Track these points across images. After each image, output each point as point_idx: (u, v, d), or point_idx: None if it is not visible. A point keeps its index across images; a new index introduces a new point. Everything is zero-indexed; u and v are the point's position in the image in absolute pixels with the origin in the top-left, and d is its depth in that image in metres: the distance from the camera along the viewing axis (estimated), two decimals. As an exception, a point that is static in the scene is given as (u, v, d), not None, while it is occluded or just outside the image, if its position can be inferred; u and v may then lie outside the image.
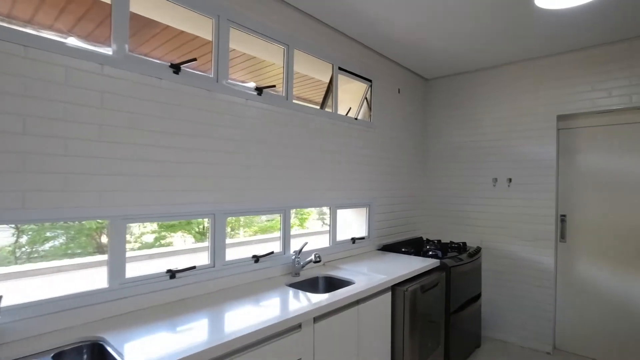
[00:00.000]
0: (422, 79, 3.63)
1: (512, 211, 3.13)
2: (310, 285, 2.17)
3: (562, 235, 3.01)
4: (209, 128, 1.79)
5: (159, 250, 3.12)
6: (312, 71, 2.85)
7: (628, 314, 2.74)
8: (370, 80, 2.97)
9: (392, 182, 3.23)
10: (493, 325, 3.24)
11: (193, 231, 3.22)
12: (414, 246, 3.06)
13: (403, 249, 2.90)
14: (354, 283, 2.03)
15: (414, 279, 2.29)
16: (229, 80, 1.91)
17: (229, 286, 1.87)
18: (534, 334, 3.02)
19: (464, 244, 3.08)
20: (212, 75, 1.85)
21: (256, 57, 2.45)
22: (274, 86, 2.13)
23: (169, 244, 3.25)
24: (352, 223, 3.00)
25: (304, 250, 2.22)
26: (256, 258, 2.03)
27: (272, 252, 2.12)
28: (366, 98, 3.04)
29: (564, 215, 3.01)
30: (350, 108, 2.92)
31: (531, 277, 3.03)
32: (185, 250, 3.17)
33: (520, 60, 3.09)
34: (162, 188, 1.61)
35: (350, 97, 3.02)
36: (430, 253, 2.74)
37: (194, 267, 1.73)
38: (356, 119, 2.80)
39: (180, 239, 3.37)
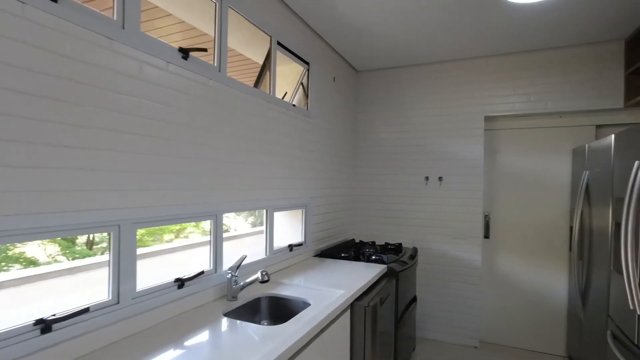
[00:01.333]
0: (353, 70, 3.42)
1: (444, 210, 3.13)
2: (253, 312, 1.69)
3: (487, 233, 3.12)
4: (102, 94, 1.18)
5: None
6: (246, 47, 2.36)
7: (540, 301, 2.95)
8: (307, 63, 2.60)
9: (327, 181, 2.92)
10: (425, 325, 3.19)
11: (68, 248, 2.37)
12: (351, 250, 2.81)
13: (342, 255, 2.61)
14: (309, 304, 1.63)
15: (368, 290, 2.01)
16: (142, 32, 1.32)
17: (142, 328, 1.29)
18: (463, 330, 3.06)
19: (400, 245, 2.96)
20: (114, 18, 1.24)
21: (185, 23, 1.86)
22: (205, 50, 1.59)
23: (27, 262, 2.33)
24: (287, 227, 2.59)
25: (242, 264, 1.73)
26: (180, 282, 1.48)
27: (202, 273, 1.58)
28: (302, 83, 2.66)
29: (488, 213, 3.12)
30: (285, 93, 2.50)
31: (461, 274, 3.06)
32: (60, 271, 2.32)
33: (454, 59, 3.10)
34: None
35: (284, 82, 2.60)
36: (374, 257, 2.51)
37: (84, 311, 1.11)
38: (294, 105, 2.40)
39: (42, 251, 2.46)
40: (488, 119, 3.08)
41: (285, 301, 1.72)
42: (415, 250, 2.88)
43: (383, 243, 3.09)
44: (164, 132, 1.39)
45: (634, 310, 1.66)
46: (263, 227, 2.24)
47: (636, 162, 1.65)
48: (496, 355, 2.89)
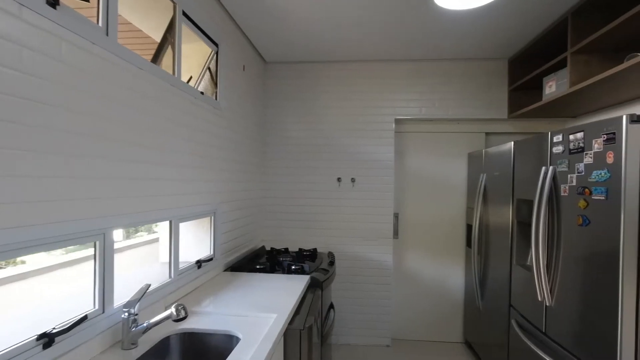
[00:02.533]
0: (261, 60, 3.11)
1: (357, 211, 3.09)
2: (162, 359, 1.28)
3: (396, 232, 3.19)
4: None
5: None
6: (141, 19, 1.85)
7: (441, 293, 3.16)
8: (217, 45, 2.21)
9: (237, 182, 2.56)
10: (339, 331, 3.10)
11: None
12: (266, 260, 2.52)
13: (258, 267, 2.31)
14: (238, 338, 1.31)
15: (297, 309, 1.77)
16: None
17: None
18: (376, 331, 3.07)
19: (315, 250, 2.79)
20: None
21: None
22: (87, 0, 1.12)
23: None
24: (191, 239, 2.15)
25: (142, 294, 1.29)
26: (48, 339, 0.99)
27: (86, 318, 1.11)
28: (209, 68, 2.26)
29: (397, 214, 3.20)
30: (190, 77, 2.07)
31: (373, 275, 3.07)
32: None
33: (368, 60, 3.07)
34: None
35: (187, 64, 2.16)
36: (294, 268, 2.27)
37: None
38: (202, 93, 2.00)
39: None
40: (398, 121, 3.15)
41: (206, 337, 1.35)
42: (332, 255, 2.76)
43: (297, 249, 2.89)
44: (22, 115, 0.90)
45: (542, 302, 1.82)
46: (141, 238, 1.79)
47: (543, 168, 1.81)
48: (404, 350, 2.98)
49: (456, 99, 3.02)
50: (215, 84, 2.25)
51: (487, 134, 3.14)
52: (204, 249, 2.15)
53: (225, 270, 2.28)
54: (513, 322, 2.12)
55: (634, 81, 1.88)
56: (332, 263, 2.52)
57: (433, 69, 3.04)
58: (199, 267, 1.95)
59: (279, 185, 3.17)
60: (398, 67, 3.06)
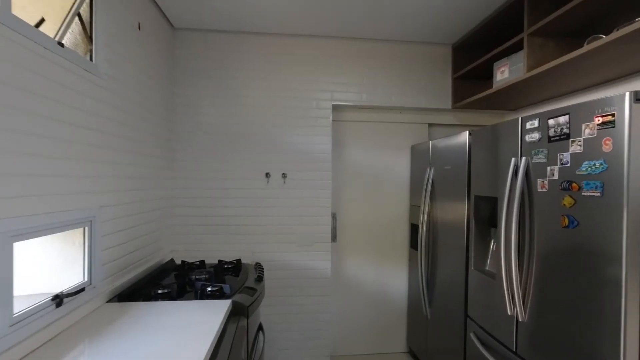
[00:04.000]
0: (168, 25, 2.46)
1: (289, 212, 2.61)
2: None
3: (334, 235, 2.80)
4: None
5: None
6: None
7: (383, 301, 2.85)
8: (93, -18, 1.55)
9: (130, 180, 1.91)
10: (271, 355, 2.61)
11: None
12: (173, 280, 1.92)
13: (160, 291, 1.71)
14: None
15: (214, 351, 1.24)
16: None
17: None
18: (313, 348, 2.64)
19: (239, 261, 2.26)
20: None
21: None
22: None
23: None
24: (51, 261, 1.47)
25: None
26: None
27: None
28: (80, 15, 1.58)
29: (334, 214, 2.80)
30: (42, 20, 1.40)
31: (309, 287, 2.63)
32: None
33: (303, 34, 2.60)
34: None
35: (40, 1, 1.47)
36: (210, 290, 1.72)
37: None
38: (61, 44, 1.34)
39: None
40: (336, 108, 2.75)
41: None
42: (260, 268, 2.25)
43: (216, 262, 2.32)
44: None
45: (512, 317, 1.55)
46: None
47: (512, 160, 1.54)
48: (345, 371, 2.61)
49: (399, 85, 2.72)
50: (91, 40, 1.58)
51: (430, 125, 2.91)
52: (73, 273, 1.49)
53: (110, 301, 1.63)
54: (472, 335, 1.85)
55: (595, 65, 1.71)
56: (260, 278, 2.02)
57: (376, 51, 2.69)
58: (58, 304, 1.30)
59: (193, 182, 2.55)
60: (337, 46, 2.66)
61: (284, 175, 2.60)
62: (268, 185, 2.59)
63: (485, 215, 1.81)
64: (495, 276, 1.67)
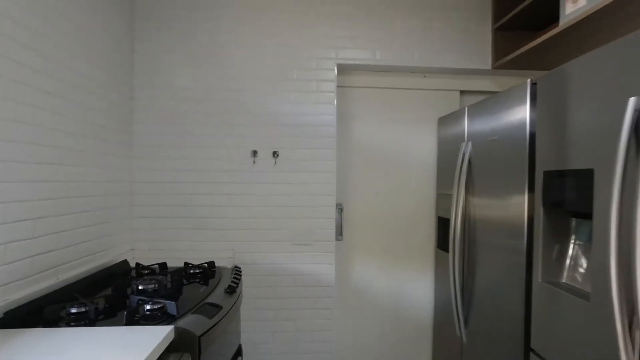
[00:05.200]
0: (127, -38, 1.91)
1: (281, 201, 2.04)
2: None
3: (339, 232, 2.21)
4: None
5: None
6: None
7: (402, 316, 2.25)
8: None
9: (61, 151, 1.36)
10: (252, 385, 2.04)
11: None
12: (111, 293, 1.37)
13: (72, 310, 1.15)
14: None
15: None
16: None
17: None
18: (309, 380, 2.06)
19: (212, 264, 1.70)
20: None
21: None
22: None
23: None
24: None
25: None
26: None
27: None
28: None
29: (341, 205, 2.22)
30: None
31: (308, 298, 2.05)
32: None
33: (293, -31, 2.03)
34: None
35: None
36: (150, 309, 1.15)
37: None
38: None
39: None
40: (342, 69, 2.17)
41: None
42: (237, 272, 1.68)
43: (181, 264, 1.76)
44: None
45: (627, 367, 0.93)
46: None
47: (633, 101, 0.92)
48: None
49: (424, 39, 2.11)
50: None
51: (462, 92, 2.29)
52: None
53: (-6, 325, 1.08)
54: (540, 382, 1.24)
55: None
56: (232, 289, 1.44)
57: (392, -5, 2.10)
58: None
59: (158, 163, 2.00)
60: (342, -12, 2.07)
61: (275, 154, 2.03)
62: (254, 167, 2.02)
63: (566, 200, 1.19)
64: (589, 296, 1.06)
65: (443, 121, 2.14)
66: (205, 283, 1.54)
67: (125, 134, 1.92)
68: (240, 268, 1.76)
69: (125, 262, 1.78)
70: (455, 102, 2.26)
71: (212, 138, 2.01)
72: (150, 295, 1.28)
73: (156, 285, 1.36)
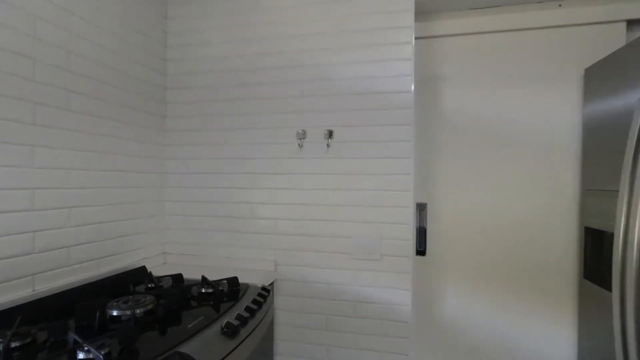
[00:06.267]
0: None
1: (336, 199, 1.50)
2: None
3: (422, 245, 1.56)
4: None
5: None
6: None
7: (522, 381, 1.49)
8: None
9: (90, 141, 1.08)
10: None
11: None
12: (76, 314, 1.01)
13: (12, 346, 0.80)
14: None
15: None
16: None
17: None
18: None
19: (234, 281, 1.26)
20: None
21: None
22: None
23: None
24: None
25: None
26: None
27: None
28: None
29: (423, 205, 1.57)
30: None
31: (372, 332, 1.46)
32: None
33: None
34: None
35: None
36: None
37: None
38: None
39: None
40: (423, 11, 1.53)
41: None
42: (259, 298, 1.19)
43: (199, 277, 1.36)
44: None
45: None
46: None
47: None
48: None
49: (558, -56, 1.34)
50: None
51: (629, 22, 1.42)
52: None
53: None
54: None
55: None
56: (230, 332, 0.95)
57: None
58: None
59: (191, 150, 1.65)
60: None
61: (329, 135, 1.49)
62: (302, 153, 1.53)
63: None
64: None
65: (595, 73, 1.33)
66: (217, 308, 1.10)
67: (158, 117, 1.63)
68: (268, 290, 1.27)
69: (143, 269, 1.46)
70: (617, 40, 1.41)
71: (251, 118, 1.58)
72: (104, 328, 0.88)
73: (135, 312, 0.97)
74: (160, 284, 1.29)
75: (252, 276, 1.45)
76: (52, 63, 1.13)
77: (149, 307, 1.01)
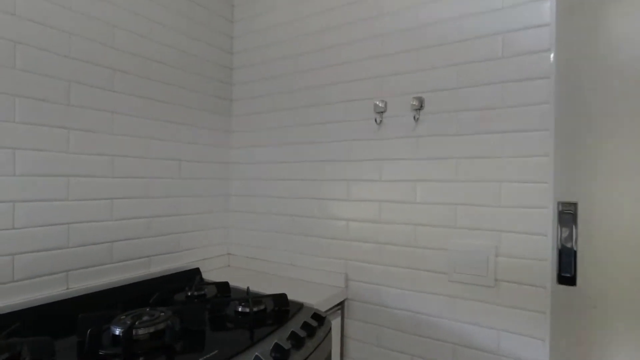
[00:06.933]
0: None
1: (427, 194, 1.07)
2: None
3: (567, 267, 1.01)
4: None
5: None
6: None
7: None
8: None
9: (150, 127, 0.99)
10: None
11: None
12: (78, 333, 0.85)
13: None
14: None
15: None
16: None
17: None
18: None
19: (282, 299, 0.96)
20: None
21: None
22: None
23: None
24: None
25: None
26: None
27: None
28: None
29: (571, 206, 1.01)
30: None
31: (479, 401, 0.99)
32: None
33: None
34: None
35: None
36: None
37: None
38: None
39: None
40: None
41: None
42: (306, 329, 0.86)
43: (253, 287, 1.11)
44: None
45: None
46: None
47: None
48: None
49: None
50: None
51: None
52: None
53: None
54: None
55: None
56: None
57: None
58: None
59: (256, 137, 1.43)
60: None
61: (418, 105, 1.07)
62: (381, 132, 1.14)
63: None
64: None
65: None
66: (250, 334, 0.82)
67: (223, 99, 1.46)
68: (322, 319, 0.93)
69: (195, 271, 1.28)
70: None
71: (319, 92, 1.26)
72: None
73: (138, 332, 0.75)
74: (203, 292, 1.08)
75: (315, 292, 1.13)
76: (94, 38, 1.02)
77: (159, 326, 0.78)
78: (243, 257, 1.44)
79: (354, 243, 1.19)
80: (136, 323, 0.77)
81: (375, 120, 1.14)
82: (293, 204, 1.32)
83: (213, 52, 1.41)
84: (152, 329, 0.77)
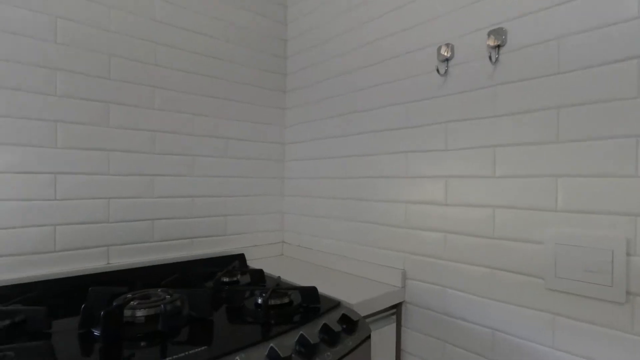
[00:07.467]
0: None
1: (511, 166, 0.76)
2: None
3: None
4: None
5: None
6: None
7: None
8: None
9: (200, 104, 0.99)
10: None
11: None
12: (81, 319, 0.80)
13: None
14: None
15: None
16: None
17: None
18: None
19: (311, 294, 0.78)
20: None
21: None
22: None
23: None
24: None
25: None
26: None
27: None
28: None
29: None
30: None
31: None
32: None
33: None
34: None
35: None
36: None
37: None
38: None
39: None
40: None
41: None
42: (326, 332, 0.66)
43: (290, 279, 0.95)
44: None
45: None
46: None
47: None
48: None
49: None
50: None
51: None
52: None
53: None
54: None
55: None
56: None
57: None
58: None
59: (310, 111, 1.28)
60: None
61: (497, 41, 0.77)
62: (446, 86, 0.86)
63: None
64: None
65: None
66: (251, 336, 0.66)
67: (278, 75, 1.36)
68: (353, 322, 0.71)
69: (240, 257, 1.19)
70: None
71: (370, 49, 1.04)
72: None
73: (135, 313, 0.66)
74: (235, 278, 0.97)
75: (364, 290, 0.92)
76: (134, 11, 1.00)
77: (151, 311, 0.68)
78: (296, 247, 1.30)
79: (412, 232, 0.93)
80: (132, 303, 0.69)
81: (438, 71, 0.87)
82: (346, 185, 1.13)
83: (265, 22, 1.31)
84: (144, 312, 0.67)
